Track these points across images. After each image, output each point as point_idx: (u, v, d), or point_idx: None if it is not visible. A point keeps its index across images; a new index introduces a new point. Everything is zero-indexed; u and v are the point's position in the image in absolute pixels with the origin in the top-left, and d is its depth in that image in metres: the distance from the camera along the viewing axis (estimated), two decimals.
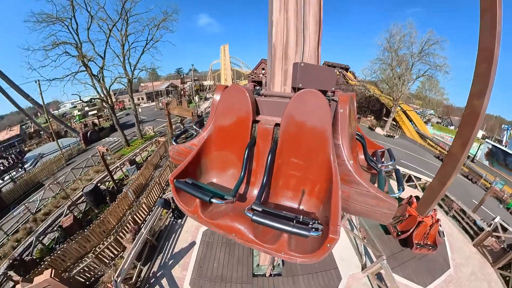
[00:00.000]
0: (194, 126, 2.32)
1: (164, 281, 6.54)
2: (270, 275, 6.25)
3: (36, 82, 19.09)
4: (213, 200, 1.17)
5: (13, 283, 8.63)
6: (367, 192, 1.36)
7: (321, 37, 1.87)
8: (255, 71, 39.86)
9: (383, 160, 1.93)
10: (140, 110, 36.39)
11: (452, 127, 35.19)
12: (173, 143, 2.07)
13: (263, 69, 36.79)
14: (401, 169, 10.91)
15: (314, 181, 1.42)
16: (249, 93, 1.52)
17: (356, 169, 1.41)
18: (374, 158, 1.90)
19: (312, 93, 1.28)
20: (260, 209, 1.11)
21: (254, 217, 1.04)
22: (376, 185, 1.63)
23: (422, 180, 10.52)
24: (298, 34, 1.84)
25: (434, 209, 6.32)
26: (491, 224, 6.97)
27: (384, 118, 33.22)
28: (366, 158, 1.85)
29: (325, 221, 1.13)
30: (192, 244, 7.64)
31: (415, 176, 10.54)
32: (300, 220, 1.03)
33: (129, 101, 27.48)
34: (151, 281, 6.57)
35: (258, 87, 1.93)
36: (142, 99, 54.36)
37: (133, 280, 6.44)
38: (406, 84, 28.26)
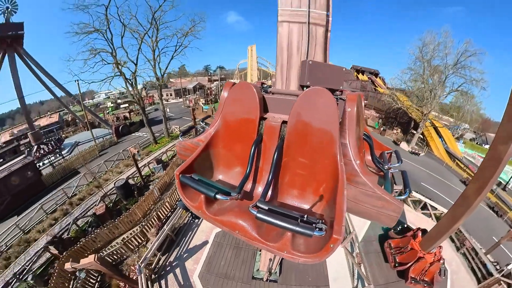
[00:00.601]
0: (201, 123, 2.32)
1: (177, 271, 7.63)
2: (267, 280, 6.84)
3: (76, 82, 21.60)
4: (218, 196, 1.16)
5: (50, 255, 10.37)
6: (373, 193, 1.36)
7: (329, 35, 1.82)
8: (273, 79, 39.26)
9: (390, 162, 1.87)
10: (168, 108, 38.70)
11: (486, 146, 32.30)
12: (180, 138, 2.10)
13: None
14: (417, 195, 10.67)
15: (319, 179, 1.40)
16: (257, 90, 1.51)
17: (363, 169, 1.40)
18: (381, 160, 1.87)
19: (320, 91, 1.27)
20: (265, 207, 1.09)
21: (258, 215, 1.04)
22: (382, 187, 1.58)
23: (438, 210, 10.22)
24: (304, 32, 1.79)
25: (440, 246, 6.33)
26: (503, 270, 6.64)
27: (412, 131, 31.46)
28: (373, 159, 1.81)
29: (329, 221, 1.12)
30: (205, 242, 8.60)
31: (431, 205, 10.23)
32: (305, 219, 1.01)
33: (158, 97, 29.94)
34: (167, 268, 7.69)
35: (265, 85, 1.92)
36: (171, 95, 56.26)
37: (152, 266, 7.59)
38: (438, 98, 26.57)
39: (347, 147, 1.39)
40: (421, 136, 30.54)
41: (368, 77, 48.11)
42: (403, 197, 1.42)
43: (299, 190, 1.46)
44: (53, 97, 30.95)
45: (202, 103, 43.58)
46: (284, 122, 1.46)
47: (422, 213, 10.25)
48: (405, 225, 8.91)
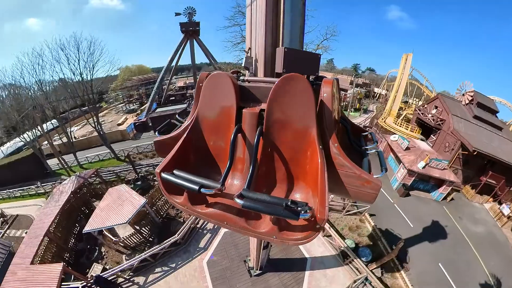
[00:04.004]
0: (178, 116, 2.31)
1: (194, 245, 12.28)
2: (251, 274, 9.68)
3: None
4: (202, 190, 1.18)
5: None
6: (352, 173, 1.38)
7: (304, 21, 1.82)
8: (425, 106, 27.50)
9: (366, 143, 1.92)
10: None
11: None
12: (156, 135, 2.08)
13: (436, 107, 25.17)
14: None
15: (300, 164, 1.43)
16: (233, 80, 1.50)
17: (341, 152, 1.42)
18: (359, 142, 1.93)
19: (295, 77, 1.28)
20: (249, 196, 1.11)
21: (244, 203, 1.05)
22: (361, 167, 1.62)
23: None
24: (279, 18, 1.74)
25: None
26: None
27: None
28: (350, 141, 1.87)
29: (313, 203, 1.16)
30: (221, 232, 12.82)
31: None
32: (289, 203, 1.02)
33: None
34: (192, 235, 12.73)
35: (241, 73, 1.89)
36: None
37: None
38: None
39: (325, 131, 1.41)
40: None
41: None
42: (380, 175, 1.50)
43: (282, 176, 1.49)
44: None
45: None
46: (262, 110, 1.46)
47: None
48: None
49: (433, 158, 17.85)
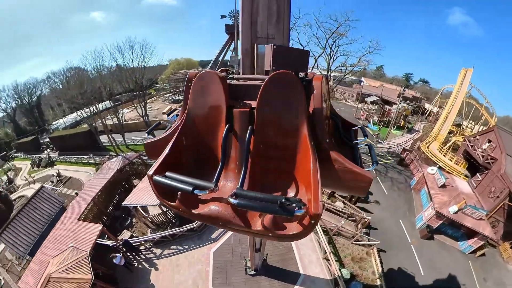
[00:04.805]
0: (167, 117, 2.84)
1: (207, 235, 13.83)
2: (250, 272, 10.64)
3: None
4: (196, 191, 1.17)
5: None
6: (344, 167, 1.43)
7: (289, 18, 1.80)
8: (477, 137, 22.36)
9: (357, 137, 1.93)
10: (338, 108, 37.52)
11: None
12: (146, 136, 2.07)
13: (490, 140, 21.06)
14: None
15: (293, 161, 1.44)
16: (221, 78, 1.51)
17: (332, 147, 1.46)
18: (349, 136, 1.95)
19: (285, 74, 1.31)
20: (243, 194, 1.12)
21: (238, 202, 1.06)
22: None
23: None
24: (267, 15, 1.76)
25: None
26: None
27: None
28: (341, 136, 1.89)
29: (307, 199, 1.16)
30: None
31: None
32: (283, 201, 1.02)
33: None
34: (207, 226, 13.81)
35: (230, 71, 1.90)
36: (352, 96, 50.23)
37: None
38: None
39: (316, 127, 1.42)
40: None
41: None
42: (371, 168, 1.55)
43: (275, 173, 1.50)
44: None
45: (373, 121, 35.93)
46: (253, 108, 1.46)
47: None
48: None
49: (469, 204, 15.78)
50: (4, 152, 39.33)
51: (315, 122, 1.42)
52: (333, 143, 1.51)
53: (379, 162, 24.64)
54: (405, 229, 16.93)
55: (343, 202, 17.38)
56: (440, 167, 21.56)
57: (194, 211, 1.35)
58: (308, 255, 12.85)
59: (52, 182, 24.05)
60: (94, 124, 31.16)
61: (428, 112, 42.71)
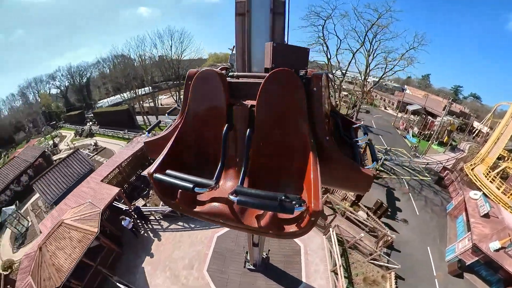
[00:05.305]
0: (168, 116, 2.35)
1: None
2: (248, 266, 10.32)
3: None
4: (196, 189, 1.16)
5: None
6: (345, 165, 1.44)
7: (288, 14, 1.78)
8: None
9: (357, 135, 1.92)
10: (375, 116, 35.83)
11: None
12: (146, 134, 2.04)
13: None
14: None
15: (293, 159, 1.43)
16: (222, 76, 1.50)
17: (332, 145, 1.45)
18: (350, 134, 1.94)
19: (285, 72, 1.29)
20: (244, 192, 1.12)
21: (239, 200, 1.06)
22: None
23: None
24: (265, 12, 1.72)
25: None
26: None
27: None
28: (341, 134, 1.87)
29: (307, 196, 1.16)
30: None
31: None
32: (284, 198, 1.02)
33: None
34: None
35: (230, 70, 1.89)
36: (392, 104, 46.39)
37: None
38: None
39: (315, 125, 1.42)
40: None
41: None
42: (371, 166, 1.57)
43: (275, 171, 1.50)
44: None
45: (413, 133, 32.55)
46: (253, 106, 1.45)
47: None
48: None
49: None
50: (54, 122, 46.44)
51: (315, 120, 1.41)
52: (333, 141, 1.48)
53: (414, 178, 22.26)
54: (432, 259, 14.78)
55: (367, 213, 15.80)
56: (484, 194, 18.61)
57: (194, 209, 1.35)
58: (316, 264, 11.84)
59: (89, 149, 26.78)
60: (133, 105, 34.64)
61: (476, 131, 37.50)
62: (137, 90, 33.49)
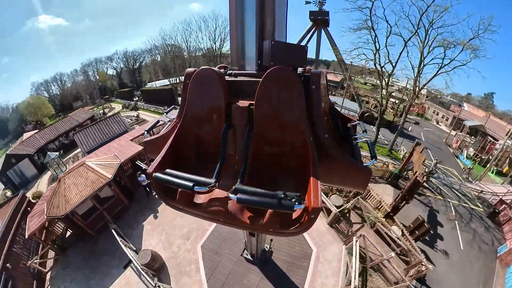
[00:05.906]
0: (166, 115, 2.34)
1: None
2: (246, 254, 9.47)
3: None
4: (196, 188, 1.17)
5: None
6: (344, 163, 1.45)
7: (287, 11, 1.75)
8: None
9: (356, 132, 1.90)
10: (424, 128, 33.51)
11: None
12: (145, 134, 2.09)
13: None
14: None
15: (292, 157, 1.45)
16: (220, 75, 1.51)
17: (331, 142, 1.45)
18: (348, 132, 1.92)
19: (283, 69, 1.30)
20: (243, 190, 1.13)
21: (238, 198, 1.07)
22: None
23: None
24: (262, 8, 1.62)
25: None
26: None
27: None
28: (340, 132, 1.88)
29: (306, 194, 1.17)
30: None
31: None
32: (284, 196, 1.02)
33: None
34: None
35: (228, 68, 1.87)
36: (447, 119, 41.88)
37: None
38: None
39: (315, 123, 1.43)
40: None
41: None
42: (370, 163, 1.61)
43: (275, 169, 1.50)
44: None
45: (467, 154, 28.44)
46: (252, 104, 1.44)
47: None
48: None
49: None
50: (108, 96, 55.35)
51: (314, 117, 1.42)
52: (332, 138, 1.49)
53: (463, 205, 18.70)
54: None
55: (402, 231, 12.87)
56: None
57: (193, 208, 1.36)
58: (326, 276, 9.99)
59: (131, 120, 29.96)
60: (176, 87, 38.94)
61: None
62: (181, 78, 37.07)
